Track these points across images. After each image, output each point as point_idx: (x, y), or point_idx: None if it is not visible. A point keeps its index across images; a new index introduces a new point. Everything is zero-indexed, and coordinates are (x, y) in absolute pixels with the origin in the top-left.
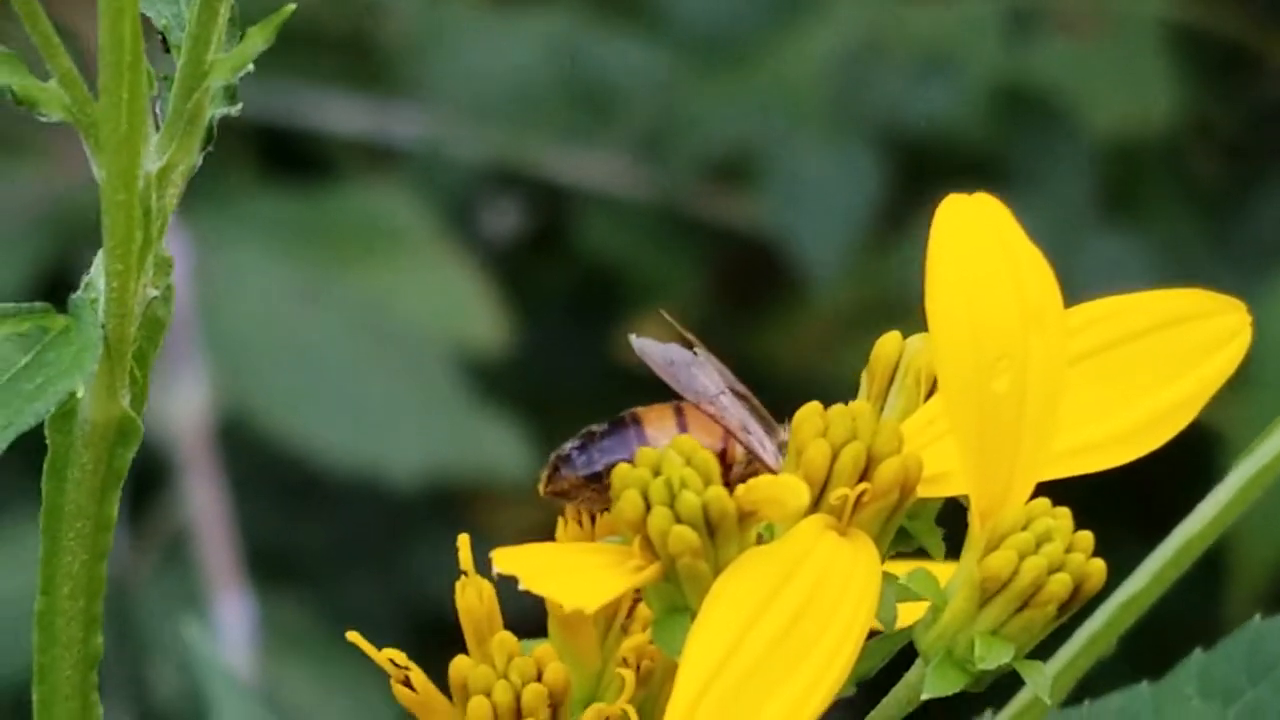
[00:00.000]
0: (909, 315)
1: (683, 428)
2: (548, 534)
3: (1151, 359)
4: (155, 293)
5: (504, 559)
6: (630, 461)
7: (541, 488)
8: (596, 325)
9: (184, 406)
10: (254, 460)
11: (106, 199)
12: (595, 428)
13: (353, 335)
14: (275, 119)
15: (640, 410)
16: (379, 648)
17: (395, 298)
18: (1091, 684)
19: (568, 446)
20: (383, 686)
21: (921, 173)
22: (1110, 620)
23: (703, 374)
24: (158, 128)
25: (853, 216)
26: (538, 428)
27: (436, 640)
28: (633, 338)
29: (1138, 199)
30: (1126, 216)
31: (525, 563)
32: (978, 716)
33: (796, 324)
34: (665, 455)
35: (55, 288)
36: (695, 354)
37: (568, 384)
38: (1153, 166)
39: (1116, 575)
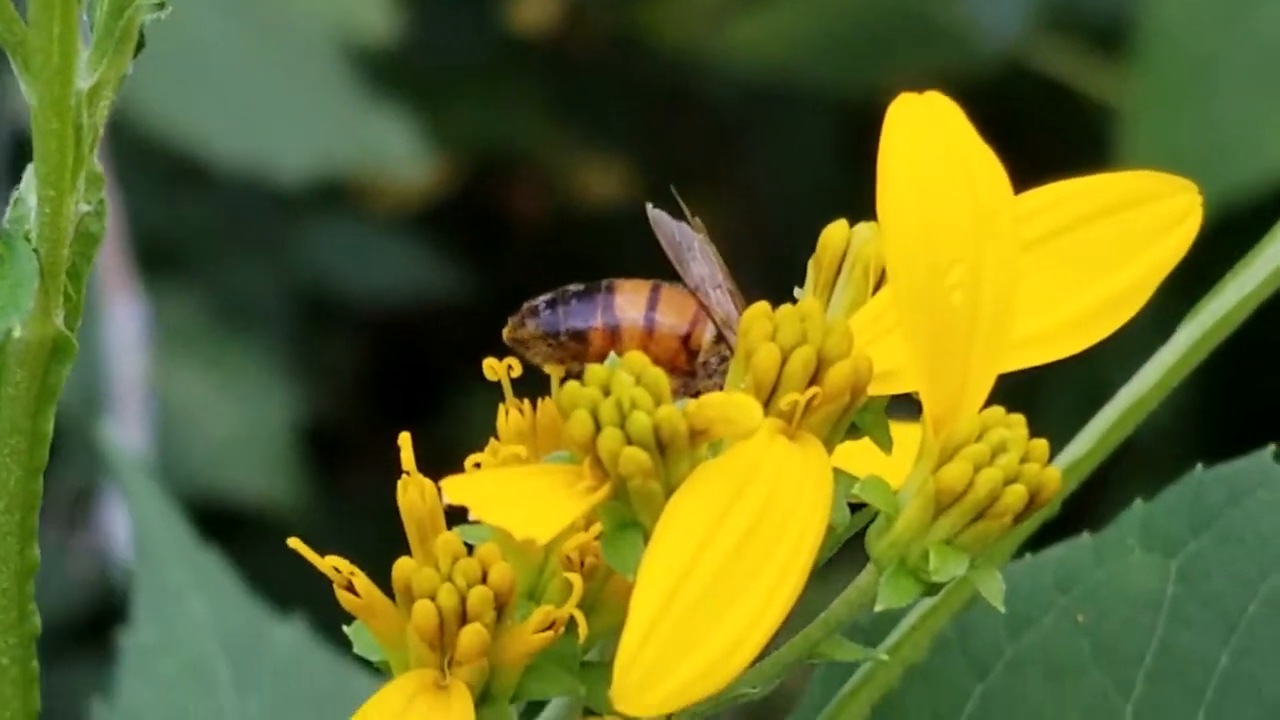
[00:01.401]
0: None
1: (653, 305)
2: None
3: (1102, 244)
4: (88, 208)
5: (453, 488)
6: (591, 329)
7: (506, 334)
8: (483, 1)
9: None
10: (141, 155)
11: (38, 126)
12: (571, 288)
13: (240, 26)
14: None
15: (618, 281)
16: (269, 335)
17: None
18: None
19: (540, 300)
20: (272, 383)
21: None
22: None
23: (704, 260)
24: (87, 42)
25: None
26: (428, 113)
27: (325, 324)
28: (649, 207)
29: None
30: None
31: (474, 491)
32: None
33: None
34: (615, 374)
35: None
36: (699, 240)
37: (458, 64)
38: None
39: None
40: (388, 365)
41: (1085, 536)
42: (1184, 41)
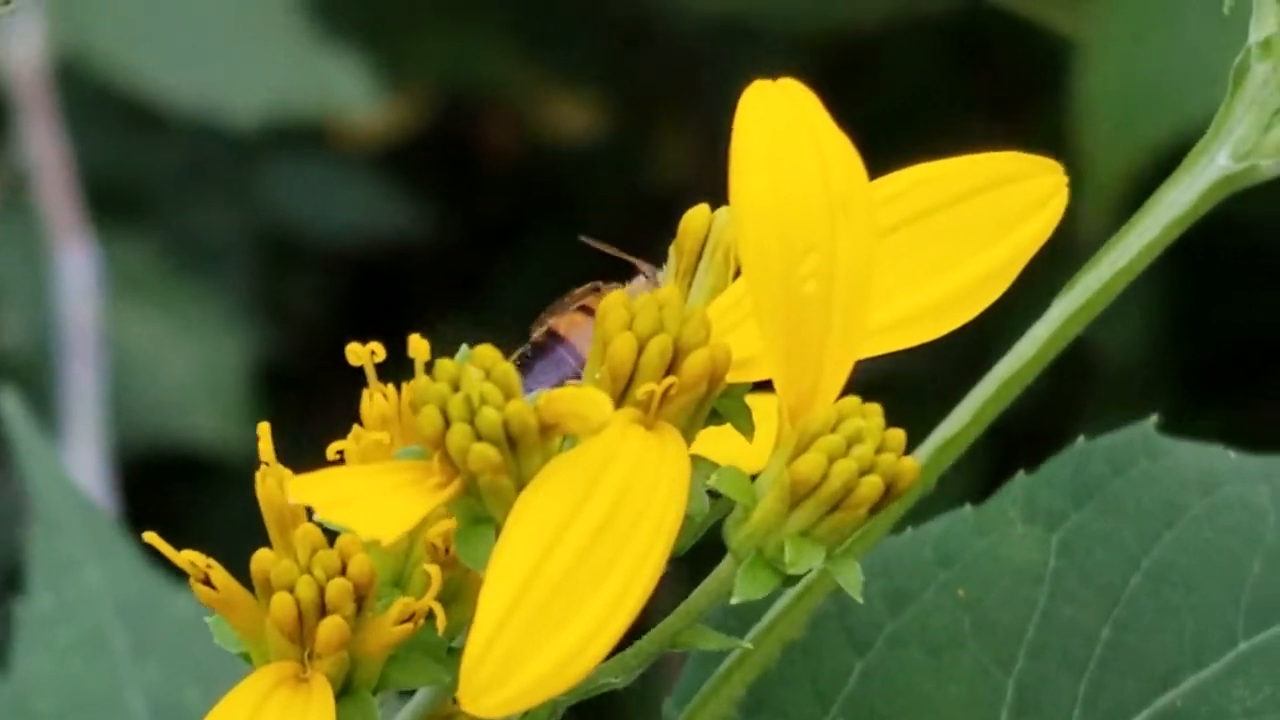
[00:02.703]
0: None
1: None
2: (399, 163)
3: (966, 226)
4: None
5: (300, 488)
6: (567, 378)
7: None
8: None
9: (19, 48)
10: (92, 101)
11: None
12: (523, 351)
13: None
14: None
15: (555, 322)
16: (227, 279)
17: None
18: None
19: None
20: (231, 327)
21: None
22: (929, 461)
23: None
24: None
25: None
26: (389, 49)
27: (286, 264)
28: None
29: None
30: None
31: (321, 490)
32: None
33: None
34: (464, 370)
35: None
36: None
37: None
38: None
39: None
40: (357, 306)
41: (966, 509)
42: None
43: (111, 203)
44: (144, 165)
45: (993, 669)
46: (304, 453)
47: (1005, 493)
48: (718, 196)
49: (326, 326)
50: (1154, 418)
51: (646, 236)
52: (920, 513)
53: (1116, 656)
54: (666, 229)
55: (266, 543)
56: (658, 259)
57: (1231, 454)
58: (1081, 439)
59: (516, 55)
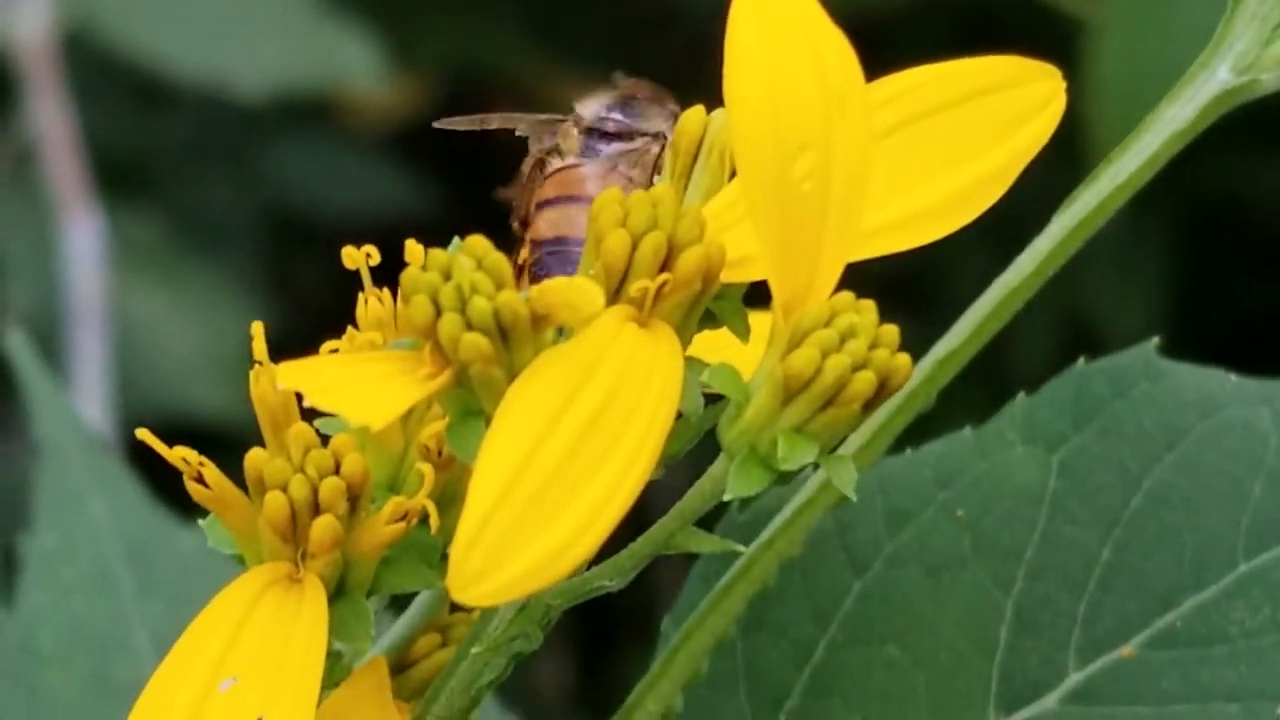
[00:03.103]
0: None
1: None
2: (411, 142)
3: (963, 130)
4: None
5: (288, 374)
6: None
7: None
8: None
9: (26, 20)
10: (100, 74)
11: None
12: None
13: None
14: None
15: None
16: (234, 253)
17: None
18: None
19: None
20: (236, 301)
21: None
22: (928, 376)
23: None
24: None
25: None
26: (396, 29)
27: (292, 241)
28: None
29: None
30: None
31: (311, 377)
32: None
33: None
34: (455, 259)
35: None
36: None
37: None
38: None
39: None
40: (361, 284)
41: (967, 431)
42: None
43: (118, 176)
44: (150, 139)
45: (992, 589)
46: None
47: (1005, 414)
48: None
49: (329, 304)
50: (1155, 340)
51: None
52: (917, 434)
53: (1116, 577)
54: None
55: None
56: None
57: (1233, 377)
58: (1082, 361)
59: (525, 39)
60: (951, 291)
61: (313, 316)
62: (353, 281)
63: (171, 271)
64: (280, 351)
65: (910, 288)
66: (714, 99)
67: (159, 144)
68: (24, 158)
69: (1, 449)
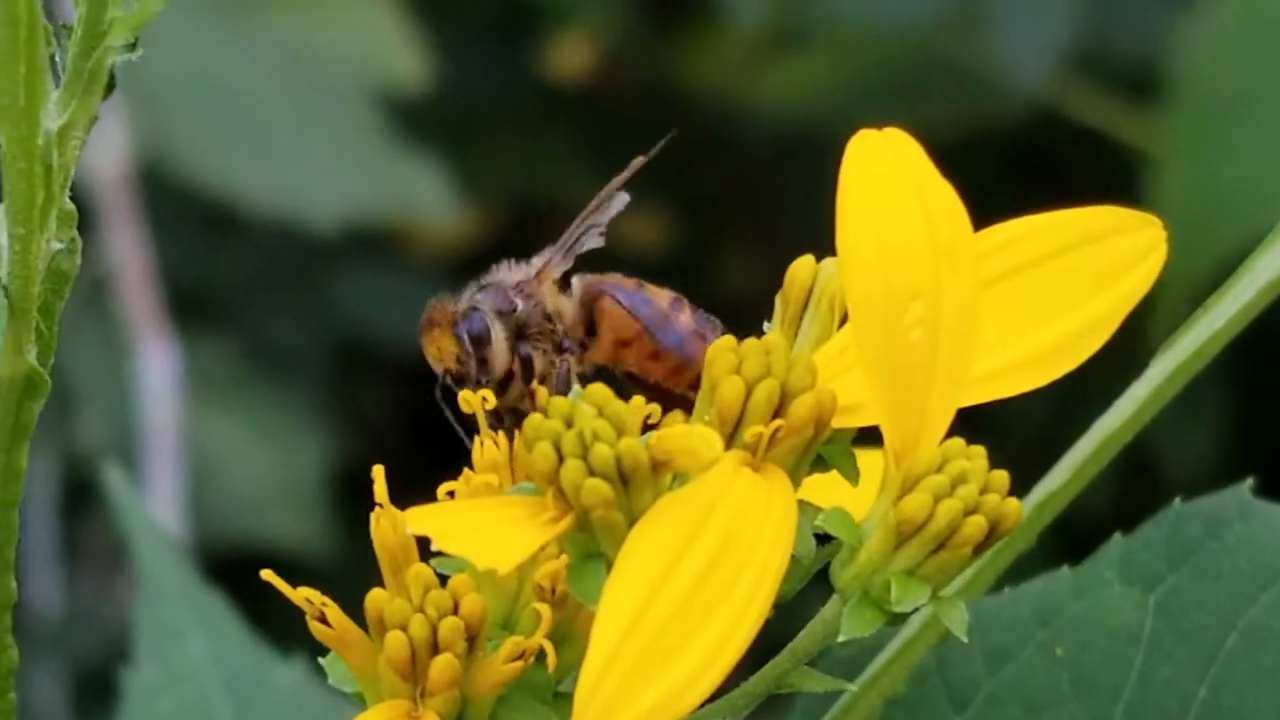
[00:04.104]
0: (827, 40)
1: None
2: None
3: (1067, 279)
4: (60, 246)
5: (417, 519)
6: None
7: None
8: (517, 47)
9: (105, 153)
10: (174, 204)
11: (6, 165)
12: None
13: (272, 74)
14: None
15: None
16: (302, 382)
17: (315, 35)
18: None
19: None
20: (305, 429)
21: None
22: (1030, 518)
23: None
24: (57, 82)
25: None
26: (462, 160)
27: (359, 371)
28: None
29: None
30: None
31: (438, 521)
32: None
33: (715, 46)
34: (578, 407)
35: None
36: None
37: (492, 110)
38: None
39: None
40: (424, 413)
41: (1064, 570)
42: (1214, 84)
43: (189, 305)
44: (220, 268)
45: None
46: (372, 555)
47: (1102, 554)
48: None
49: (394, 433)
50: (1249, 481)
51: None
52: (1010, 574)
53: (1213, 717)
54: None
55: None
56: None
57: None
58: (1178, 501)
59: (585, 167)
60: (1008, 425)
61: (377, 443)
62: (417, 409)
63: (243, 400)
64: (349, 479)
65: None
66: (772, 232)
67: (229, 273)
68: (99, 288)
69: (100, 582)
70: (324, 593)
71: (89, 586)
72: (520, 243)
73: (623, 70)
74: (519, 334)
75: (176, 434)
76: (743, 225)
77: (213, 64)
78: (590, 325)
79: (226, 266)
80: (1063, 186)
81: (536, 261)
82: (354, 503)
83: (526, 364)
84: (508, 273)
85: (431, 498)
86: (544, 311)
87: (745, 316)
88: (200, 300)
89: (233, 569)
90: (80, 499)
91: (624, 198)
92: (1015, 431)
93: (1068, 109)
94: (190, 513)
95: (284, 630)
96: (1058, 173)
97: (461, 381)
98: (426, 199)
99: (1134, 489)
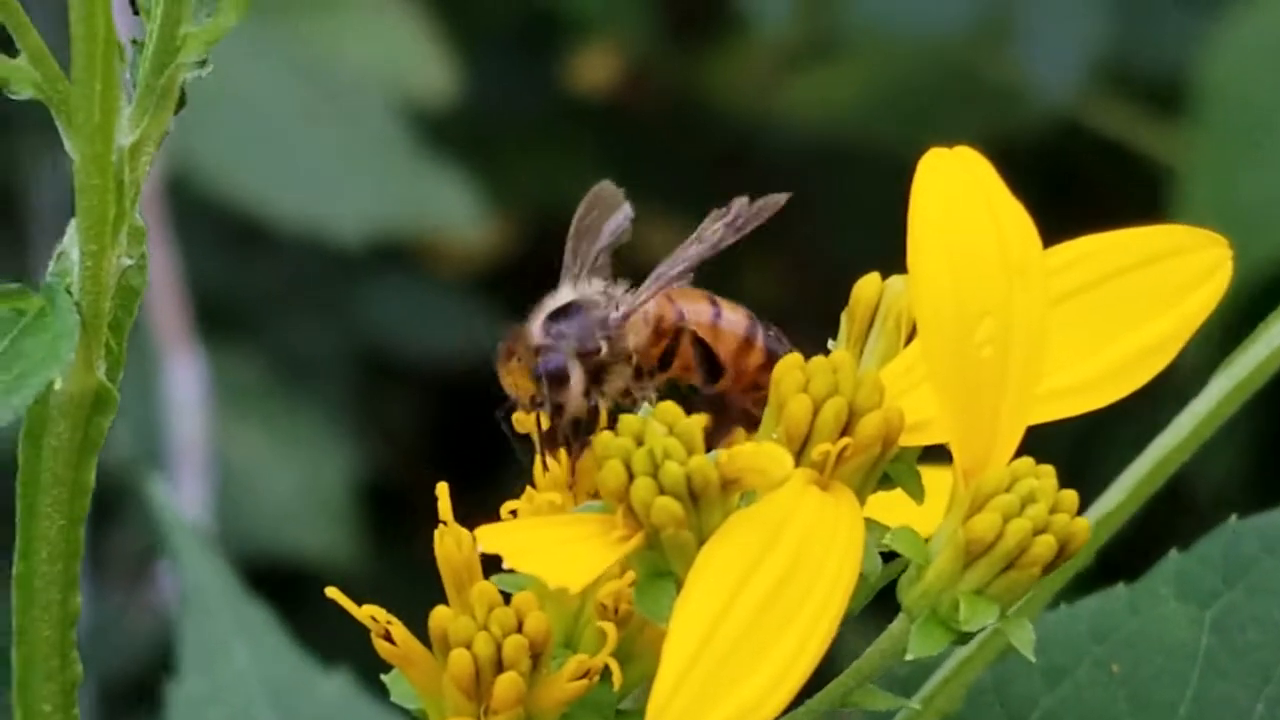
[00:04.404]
0: (850, 50)
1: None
2: (495, 285)
3: (1132, 297)
4: (130, 262)
5: (488, 537)
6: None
7: None
8: (542, 59)
9: None
10: (201, 217)
11: (80, 181)
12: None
13: (297, 87)
14: None
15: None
16: (328, 394)
17: (340, 47)
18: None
19: None
20: (332, 442)
21: None
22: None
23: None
24: (129, 99)
25: None
26: (487, 172)
27: (384, 383)
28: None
29: None
30: None
31: (508, 540)
32: None
33: (742, 58)
34: (648, 424)
35: None
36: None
37: (517, 122)
38: None
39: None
40: (450, 425)
41: (1120, 587)
42: (1241, 97)
43: (216, 318)
44: (247, 280)
45: None
46: (400, 569)
47: (1158, 571)
48: (810, 320)
49: (420, 446)
50: None
51: None
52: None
53: None
54: None
55: (372, 652)
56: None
57: None
58: (1234, 518)
59: (610, 180)
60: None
61: (402, 455)
62: (442, 421)
63: (270, 413)
64: (375, 491)
65: None
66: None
67: (255, 285)
68: None
69: (126, 593)
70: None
71: (115, 598)
72: (546, 255)
73: (648, 82)
74: (596, 376)
75: (204, 446)
76: (767, 236)
77: (239, 77)
78: (665, 356)
79: (253, 279)
80: (1088, 200)
81: (626, 297)
82: (380, 515)
83: (595, 410)
84: (598, 298)
85: (462, 510)
86: (626, 354)
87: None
88: (227, 313)
89: (260, 581)
90: (105, 510)
91: (627, 210)
92: (1038, 453)
93: (1093, 122)
94: (217, 525)
95: (311, 646)
96: (1083, 186)
97: (524, 409)
98: (452, 211)
99: (1162, 510)
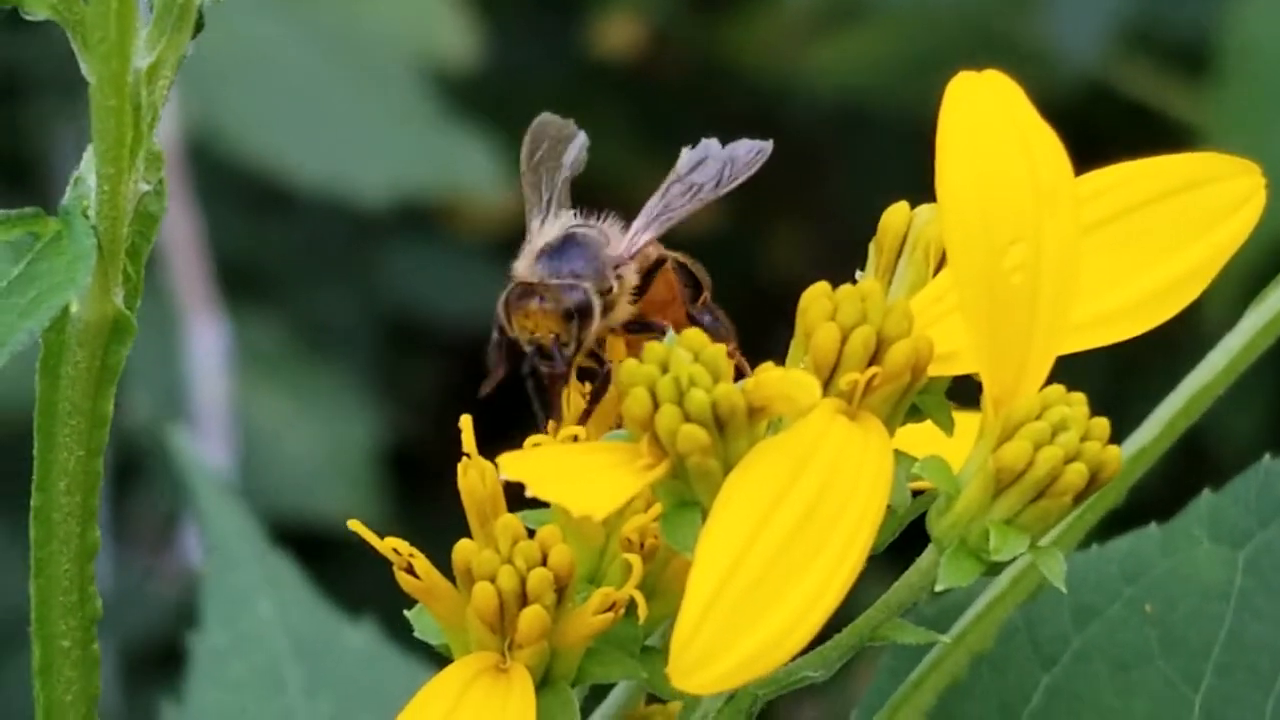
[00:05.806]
0: (875, 14)
1: None
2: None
3: (1164, 226)
4: (147, 187)
5: (510, 464)
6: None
7: None
8: (565, 24)
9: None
10: (223, 180)
11: (96, 103)
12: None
13: (321, 51)
14: None
15: None
16: (349, 357)
17: (363, 11)
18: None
19: None
20: (354, 405)
21: None
22: (1121, 472)
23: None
24: (146, 19)
25: None
26: (509, 137)
27: (406, 347)
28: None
29: None
30: None
31: (532, 467)
32: None
33: (766, 23)
34: (673, 352)
35: None
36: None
37: (539, 86)
38: None
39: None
40: (471, 389)
41: (1153, 527)
42: (1268, 57)
43: (239, 281)
44: (269, 243)
45: (1180, 685)
46: (422, 532)
47: (1191, 511)
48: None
49: (440, 409)
50: None
51: (761, 331)
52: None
53: None
54: (781, 323)
55: (393, 613)
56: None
57: None
58: (1268, 457)
59: (633, 145)
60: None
61: (424, 418)
62: (463, 383)
63: (292, 375)
64: (397, 454)
65: None
66: (815, 205)
67: (277, 248)
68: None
69: (148, 558)
70: (374, 568)
71: (137, 563)
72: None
73: (671, 47)
74: (604, 312)
75: (226, 409)
76: (791, 201)
77: (262, 39)
78: (641, 290)
79: (275, 242)
80: (1113, 163)
81: (622, 235)
82: (401, 478)
83: (601, 344)
84: (596, 235)
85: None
86: (629, 289)
87: (791, 300)
88: (249, 276)
89: (282, 543)
90: (128, 475)
91: (582, 139)
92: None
93: (1119, 85)
94: (240, 488)
95: (336, 606)
96: (1110, 149)
97: (543, 353)
98: (474, 175)
99: (1185, 467)
